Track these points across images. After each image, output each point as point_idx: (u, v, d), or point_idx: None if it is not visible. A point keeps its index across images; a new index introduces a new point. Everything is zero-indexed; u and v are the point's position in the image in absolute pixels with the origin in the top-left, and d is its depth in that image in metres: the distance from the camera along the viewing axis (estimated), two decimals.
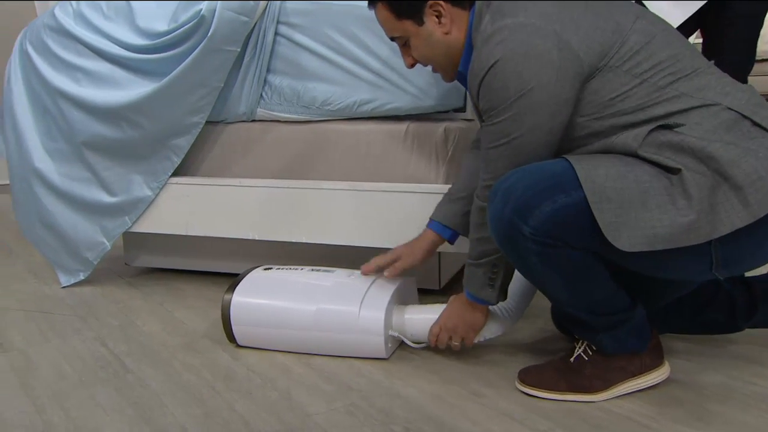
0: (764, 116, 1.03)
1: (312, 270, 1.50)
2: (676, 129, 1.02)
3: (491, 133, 1.10)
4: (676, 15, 2.03)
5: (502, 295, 1.25)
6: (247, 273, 1.49)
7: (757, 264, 1.10)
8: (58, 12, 1.87)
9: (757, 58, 5.24)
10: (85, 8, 1.83)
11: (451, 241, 1.40)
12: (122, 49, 1.75)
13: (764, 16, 2.05)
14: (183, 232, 1.83)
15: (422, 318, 1.37)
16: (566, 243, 1.05)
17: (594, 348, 1.21)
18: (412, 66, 1.29)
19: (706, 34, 2.09)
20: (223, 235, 1.79)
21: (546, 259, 1.07)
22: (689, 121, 1.02)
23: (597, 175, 1.01)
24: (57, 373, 1.36)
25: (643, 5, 2.06)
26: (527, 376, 1.23)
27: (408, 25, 1.21)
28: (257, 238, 1.75)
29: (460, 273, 1.81)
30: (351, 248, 1.68)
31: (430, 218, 1.41)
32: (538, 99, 1.03)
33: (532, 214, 1.02)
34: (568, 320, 1.28)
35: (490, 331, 1.34)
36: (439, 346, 1.33)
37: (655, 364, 1.20)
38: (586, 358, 1.21)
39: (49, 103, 1.86)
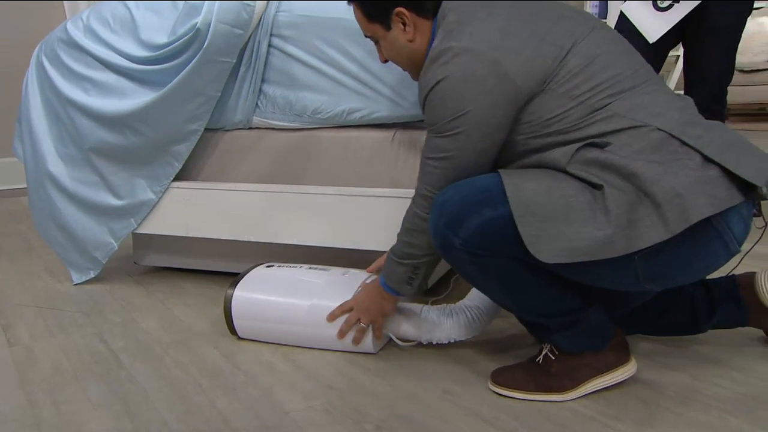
0: (693, 135, 1.00)
1: (310, 268, 1.49)
2: (604, 147, 1.01)
3: (429, 145, 1.12)
4: (658, 26, 1.99)
5: (419, 290, 1.26)
6: (250, 270, 1.51)
7: (692, 278, 1.08)
8: (70, 26, 1.87)
9: (747, 69, 5.15)
10: (94, 22, 1.83)
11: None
12: (127, 61, 1.74)
13: (742, 27, 1.99)
14: (183, 234, 1.82)
15: (407, 317, 1.36)
16: (494, 253, 1.05)
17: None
18: (385, 62, 1.29)
19: (687, 45, 2.05)
20: (221, 237, 1.78)
21: (480, 268, 1.07)
22: (619, 142, 1.01)
23: (524, 190, 1.01)
24: (55, 367, 1.36)
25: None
26: (499, 376, 1.20)
27: (377, 29, 1.22)
28: (252, 240, 1.74)
29: (446, 275, 1.78)
30: (342, 249, 1.66)
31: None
32: (472, 122, 1.05)
33: (462, 226, 1.04)
34: (526, 324, 1.26)
35: (456, 333, 1.33)
36: (344, 328, 1.33)
37: (621, 361, 1.17)
38: (553, 357, 1.18)
39: (61, 111, 1.86)
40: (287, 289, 1.42)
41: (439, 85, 1.06)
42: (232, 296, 1.44)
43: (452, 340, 1.34)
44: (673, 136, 0.99)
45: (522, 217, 1.00)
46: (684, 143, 0.99)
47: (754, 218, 1.08)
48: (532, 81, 1.03)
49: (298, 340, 1.42)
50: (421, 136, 1.57)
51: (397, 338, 1.38)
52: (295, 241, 1.69)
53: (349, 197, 1.61)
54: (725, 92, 2.06)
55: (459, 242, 1.05)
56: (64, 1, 3.94)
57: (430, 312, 1.36)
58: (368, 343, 1.35)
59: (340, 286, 1.40)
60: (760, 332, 1.37)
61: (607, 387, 1.16)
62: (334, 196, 1.62)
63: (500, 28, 1.05)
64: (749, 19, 6.19)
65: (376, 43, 1.27)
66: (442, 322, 1.34)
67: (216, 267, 1.97)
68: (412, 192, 1.52)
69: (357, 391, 1.21)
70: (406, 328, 1.36)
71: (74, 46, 1.83)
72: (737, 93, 5.38)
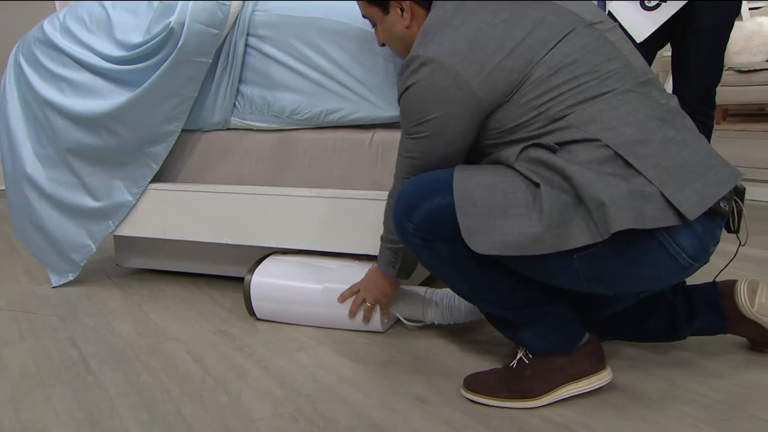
0: (640, 154, 0.99)
1: (322, 255, 1.62)
2: (554, 151, 1.02)
3: (401, 143, 1.18)
4: (645, 25, 1.96)
5: (403, 274, 1.34)
6: (265, 257, 1.63)
7: (643, 286, 1.09)
8: (46, 25, 1.85)
9: (745, 69, 5.10)
10: (70, 22, 1.81)
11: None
12: (103, 61, 1.72)
13: (730, 28, 1.97)
14: (161, 236, 1.80)
15: (413, 298, 1.47)
16: (442, 238, 1.08)
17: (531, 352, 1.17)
18: (382, 45, 1.33)
19: (675, 46, 2.03)
20: (198, 239, 1.76)
21: (433, 252, 1.11)
22: (571, 152, 1.01)
23: (469, 183, 1.05)
24: (22, 373, 1.34)
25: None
26: (471, 383, 1.19)
27: (375, 12, 1.25)
28: (230, 243, 1.72)
29: None
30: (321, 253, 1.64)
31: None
32: (435, 128, 1.09)
33: (414, 212, 1.09)
34: (492, 321, 1.24)
35: (457, 316, 1.45)
36: (353, 308, 1.44)
37: (596, 368, 1.15)
38: (527, 362, 1.17)
39: (38, 111, 1.84)
40: (301, 274, 1.54)
41: (408, 91, 1.09)
42: (251, 281, 1.56)
43: (453, 322, 1.46)
44: (619, 155, 0.99)
45: (462, 208, 1.03)
46: (627, 163, 0.98)
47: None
48: (494, 95, 1.05)
49: (312, 320, 1.54)
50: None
51: (404, 318, 1.49)
52: (273, 244, 1.67)
53: (328, 199, 1.59)
54: (714, 93, 2.04)
55: (411, 227, 1.10)
56: (56, 1, 3.93)
57: (435, 294, 1.46)
58: (376, 321, 1.46)
59: (349, 270, 1.51)
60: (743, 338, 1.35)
61: (581, 394, 1.14)
62: (313, 198, 1.60)
63: (469, 40, 1.04)
64: (748, 18, 6.20)
65: (374, 25, 1.29)
66: (445, 304, 1.44)
67: (199, 269, 1.95)
68: None
69: (328, 398, 1.19)
70: (411, 308, 1.47)
71: (51, 45, 1.81)
72: (736, 93, 5.35)
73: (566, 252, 0.98)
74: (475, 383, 1.18)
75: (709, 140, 2.08)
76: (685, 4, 1.88)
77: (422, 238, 1.10)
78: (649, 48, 2.02)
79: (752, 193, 2.94)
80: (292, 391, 1.23)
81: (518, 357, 1.18)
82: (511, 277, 1.11)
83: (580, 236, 0.97)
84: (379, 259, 1.35)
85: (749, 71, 5.25)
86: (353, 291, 1.45)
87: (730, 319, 1.26)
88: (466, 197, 1.04)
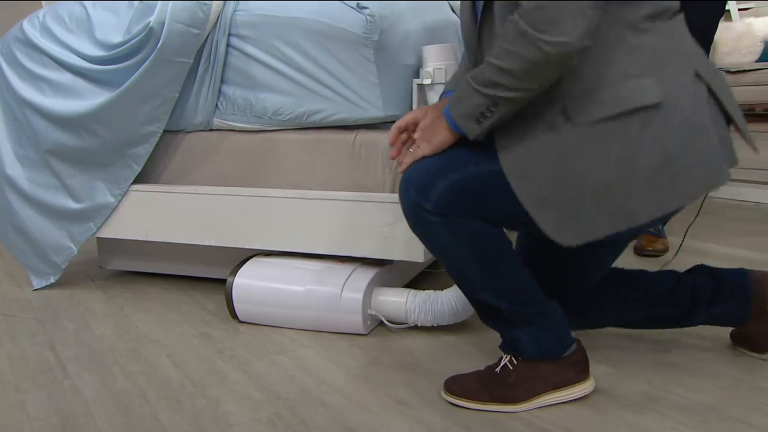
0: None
1: (306, 257, 1.61)
2: None
3: None
4: None
5: (483, 135, 1.05)
6: (248, 259, 1.62)
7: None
8: (26, 25, 1.83)
9: (734, 69, 5.11)
10: (50, 21, 1.79)
11: None
12: (83, 61, 1.71)
13: (715, 28, 1.97)
14: (143, 238, 1.79)
15: (396, 301, 1.47)
16: (465, 213, 1.06)
17: (518, 358, 1.15)
18: None
19: None
20: (181, 241, 1.75)
21: (451, 230, 1.07)
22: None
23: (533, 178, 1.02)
24: None
25: None
26: (452, 385, 1.18)
27: None
28: (213, 244, 1.71)
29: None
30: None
31: (444, 91, 1.29)
32: None
33: (430, 191, 1.05)
34: (487, 316, 1.18)
35: (440, 318, 1.46)
36: (399, 148, 1.20)
37: (579, 378, 1.15)
38: (511, 368, 1.15)
39: (18, 112, 1.82)
40: (284, 276, 1.53)
41: None
42: (233, 283, 1.55)
43: (436, 324, 1.46)
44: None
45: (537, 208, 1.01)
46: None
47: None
48: None
49: (294, 322, 1.53)
50: (383, 137, 1.55)
51: (387, 320, 1.48)
52: (256, 246, 1.66)
53: (310, 201, 1.58)
54: None
55: (429, 205, 1.06)
56: (43, 0, 3.90)
57: (417, 296, 1.46)
58: (359, 324, 1.45)
59: (332, 272, 1.50)
60: (726, 337, 1.36)
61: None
62: (295, 200, 1.59)
63: None
64: (737, 19, 6.19)
65: None
66: (428, 306, 1.44)
67: (183, 271, 1.94)
68: (373, 195, 1.51)
69: (307, 402, 1.19)
70: (394, 310, 1.47)
71: (30, 45, 1.79)
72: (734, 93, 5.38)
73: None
74: (455, 386, 1.17)
75: None
76: None
77: (441, 214, 1.05)
78: None
79: (742, 194, 2.94)
80: (271, 395, 1.22)
81: (503, 362, 1.16)
82: (524, 269, 1.12)
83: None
84: (455, 105, 1.05)
85: (739, 72, 5.27)
86: (408, 120, 1.18)
87: (753, 310, 1.23)
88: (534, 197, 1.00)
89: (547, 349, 1.14)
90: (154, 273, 2.00)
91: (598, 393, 1.17)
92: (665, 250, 2.10)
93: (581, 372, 1.15)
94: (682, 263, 1.97)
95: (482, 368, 1.21)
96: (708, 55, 1.98)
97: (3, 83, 1.85)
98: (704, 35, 1.96)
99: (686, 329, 1.45)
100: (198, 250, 1.87)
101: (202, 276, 1.92)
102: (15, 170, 1.85)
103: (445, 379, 1.20)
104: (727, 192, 3.01)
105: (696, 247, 2.16)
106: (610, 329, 1.46)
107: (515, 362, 1.15)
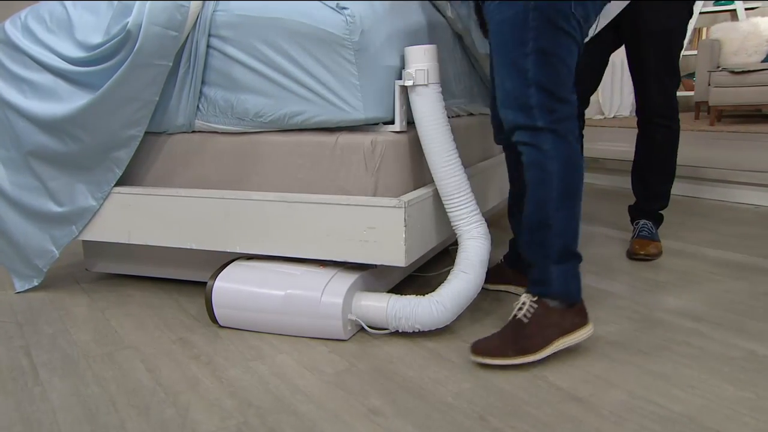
0: None
1: (288, 260, 1.60)
2: None
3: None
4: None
5: None
6: (231, 261, 1.61)
7: None
8: (8, 26, 1.82)
9: (737, 70, 5.09)
10: (31, 21, 1.78)
11: None
12: (63, 62, 1.69)
13: (682, 31, 1.93)
14: (125, 241, 1.77)
15: (376, 305, 1.46)
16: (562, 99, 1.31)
17: (534, 306, 1.32)
18: None
19: (627, 49, 2.00)
20: (163, 244, 1.73)
21: (561, 146, 1.31)
22: None
23: None
24: None
25: None
26: (478, 348, 1.31)
27: None
28: (194, 248, 1.69)
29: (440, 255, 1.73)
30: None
31: None
32: None
33: (526, 106, 1.30)
34: (536, 235, 1.35)
35: (421, 323, 1.44)
36: None
37: (583, 322, 1.34)
38: (526, 321, 1.32)
39: (0, 113, 1.81)
40: (264, 280, 1.52)
41: None
42: (213, 287, 1.54)
43: (417, 330, 1.45)
44: None
45: None
46: None
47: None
48: None
49: (274, 328, 1.51)
50: (365, 139, 1.53)
51: (367, 326, 1.48)
52: (237, 249, 1.64)
53: (291, 203, 1.56)
54: (672, 97, 1.99)
55: (541, 122, 1.30)
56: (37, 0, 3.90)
57: (398, 301, 1.45)
58: (339, 329, 1.44)
59: (312, 276, 1.49)
60: (716, 346, 1.33)
61: (527, 404, 1.12)
62: (276, 203, 1.57)
63: None
64: (744, 19, 6.13)
65: None
66: (409, 311, 1.43)
67: (170, 274, 1.93)
68: (355, 199, 1.49)
69: (278, 410, 1.17)
70: (375, 315, 1.46)
71: (12, 46, 1.78)
72: (730, 95, 5.33)
73: None
74: (481, 348, 1.32)
75: (676, 145, 2.04)
76: (631, 6, 1.85)
77: (551, 124, 1.29)
78: (601, 47, 1.99)
79: (747, 197, 2.90)
80: (243, 403, 1.20)
81: (518, 315, 1.33)
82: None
83: None
84: None
85: (743, 72, 5.23)
86: None
87: None
88: None
89: (570, 293, 1.33)
90: (141, 276, 1.99)
91: (576, 402, 1.15)
92: (658, 254, 2.07)
93: (584, 317, 1.35)
94: (675, 266, 1.94)
95: (500, 329, 1.35)
96: (677, 59, 1.94)
97: None
98: (669, 39, 1.92)
99: (675, 337, 1.42)
100: (185, 253, 1.86)
101: (189, 279, 1.91)
102: None
103: (471, 343, 1.37)
104: (723, 194, 2.98)
105: (688, 250, 2.12)
106: (595, 337, 1.43)
107: (532, 309, 1.33)
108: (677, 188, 3.07)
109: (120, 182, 1.77)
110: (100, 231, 1.80)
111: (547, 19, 1.27)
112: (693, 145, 3.90)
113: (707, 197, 3.04)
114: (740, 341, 1.39)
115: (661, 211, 2.17)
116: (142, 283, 1.96)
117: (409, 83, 1.50)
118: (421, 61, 1.50)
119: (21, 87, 1.76)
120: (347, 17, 1.46)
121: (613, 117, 6.35)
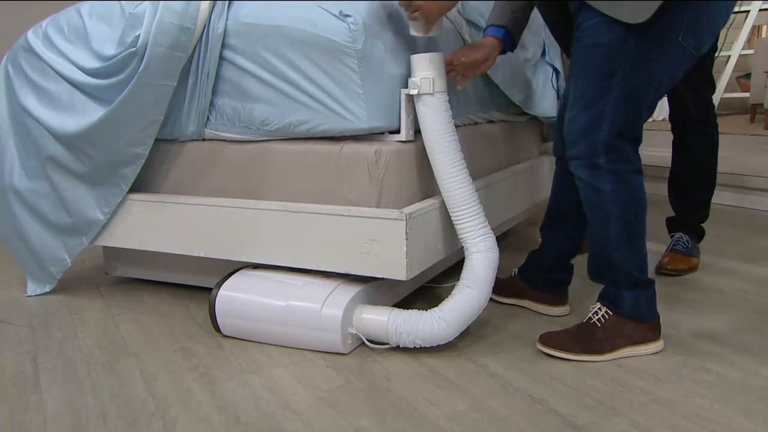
0: None
1: (293, 270, 1.58)
2: None
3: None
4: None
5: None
6: (237, 270, 1.62)
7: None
8: (30, 34, 1.87)
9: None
10: (51, 30, 1.83)
11: (505, 43, 1.57)
12: (80, 73, 1.72)
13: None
14: (137, 247, 1.80)
15: (377, 319, 1.44)
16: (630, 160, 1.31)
17: (608, 314, 1.38)
18: None
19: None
20: (172, 251, 1.75)
21: (623, 185, 1.30)
22: None
23: None
24: None
25: None
26: (548, 340, 1.39)
27: None
28: (202, 256, 1.70)
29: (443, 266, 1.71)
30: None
31: (486, 26, 1.60)
32: None
33: (594, 142, 1.29)
34: (602, 270, 1.41)
35: (421, 339, 1.42)
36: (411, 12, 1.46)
37: (655, 337, 1.40)
38: (599, 325, 1.38)
39: (22, 121, 1.87)
40: (267, 290, 1.51)
41: None
42: (216, 296, 1.54)
43: (417, 345, 1.43)
44: None
45: None
46: None
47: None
48: None
49: (276, 339, 1.51)
50: (369, 149, 1.51)
51: (368, 340, 1.46)
52: (243, 258, 1.64)
53: (293, 213, 1.55)
54: (709, 101, 1.90)
55: (603, 160, 1.29)
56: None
57: (399, 316, 1.43)
58: (338, 342, 1.42)
59: (314, 288, 1.48)
60: (733, 368, 1.25)
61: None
62: (280, 212, 1.57)
63: None
64: (750, 15, 5.74)
65: None
66: (410, 326, 1.41)
67: (186, 280, 1.95)
68: (357, 209, 1.47)
69: (264, 428, 1.16)
70: (375, 330, 1.44)
71: (33, 54, 1.83)
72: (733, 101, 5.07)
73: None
74: (550, 340, 1.39)
75: (714, 152, 1.95)
76: None
77: (612, 164, 1.28)
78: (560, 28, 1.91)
79: None
80: (230, 419, 1.19)
81: (593, 319, 1.39)
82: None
83: None
84: None
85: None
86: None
87: None
88: None
89: (641, 315, 1.38)
90: (157, 281, 2.02)
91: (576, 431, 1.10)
92: (689, 270, 1.97)
93: (657, 333, 1.40)
94: (706, 283, 1.85)
95: (572, 327, 1.42)
96: (712, 63, 1.86)
97: (11, 92, 1.90)
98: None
99: (692, 361, 1.35)
100: (200, 260, 1.87)
101: (203, 285, 1.93)
102: (21, 181, 1.89)
103: (540, 335, 1.42)
104: (760, 203, 2.83)
105: (724, 266, 2.02)
106: (604, 363, 1.38)
107: (606, 317, 1.38)
108: (721, 197, 2.94)
109: (133, 189, 1.79)
110: (111, 237, 1.84)
111: (644, 53, 1.21)
112: (743, 150, 3.72)
113: (755, 207, 2.89)
114: (763, 369, 1.31)
115: (701, 224, 2.07)
116: (156, 289, 1.99)
117: (414, 92, 1.47)
118: (427, 69, 1.46)
119: (39, 96, 1.81)
120: (350, 25, 1.44)
121: (662, 119, 6.14)
